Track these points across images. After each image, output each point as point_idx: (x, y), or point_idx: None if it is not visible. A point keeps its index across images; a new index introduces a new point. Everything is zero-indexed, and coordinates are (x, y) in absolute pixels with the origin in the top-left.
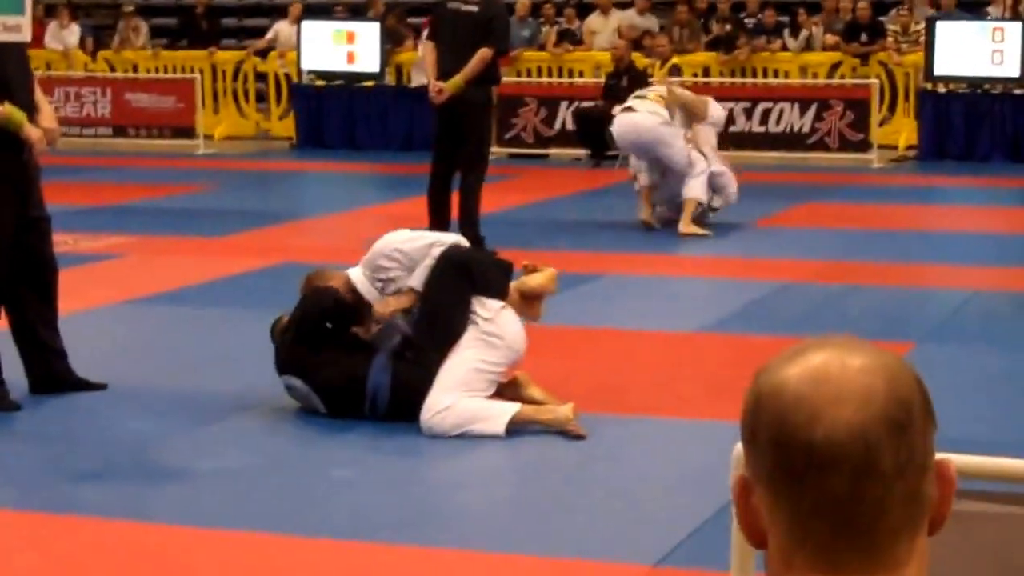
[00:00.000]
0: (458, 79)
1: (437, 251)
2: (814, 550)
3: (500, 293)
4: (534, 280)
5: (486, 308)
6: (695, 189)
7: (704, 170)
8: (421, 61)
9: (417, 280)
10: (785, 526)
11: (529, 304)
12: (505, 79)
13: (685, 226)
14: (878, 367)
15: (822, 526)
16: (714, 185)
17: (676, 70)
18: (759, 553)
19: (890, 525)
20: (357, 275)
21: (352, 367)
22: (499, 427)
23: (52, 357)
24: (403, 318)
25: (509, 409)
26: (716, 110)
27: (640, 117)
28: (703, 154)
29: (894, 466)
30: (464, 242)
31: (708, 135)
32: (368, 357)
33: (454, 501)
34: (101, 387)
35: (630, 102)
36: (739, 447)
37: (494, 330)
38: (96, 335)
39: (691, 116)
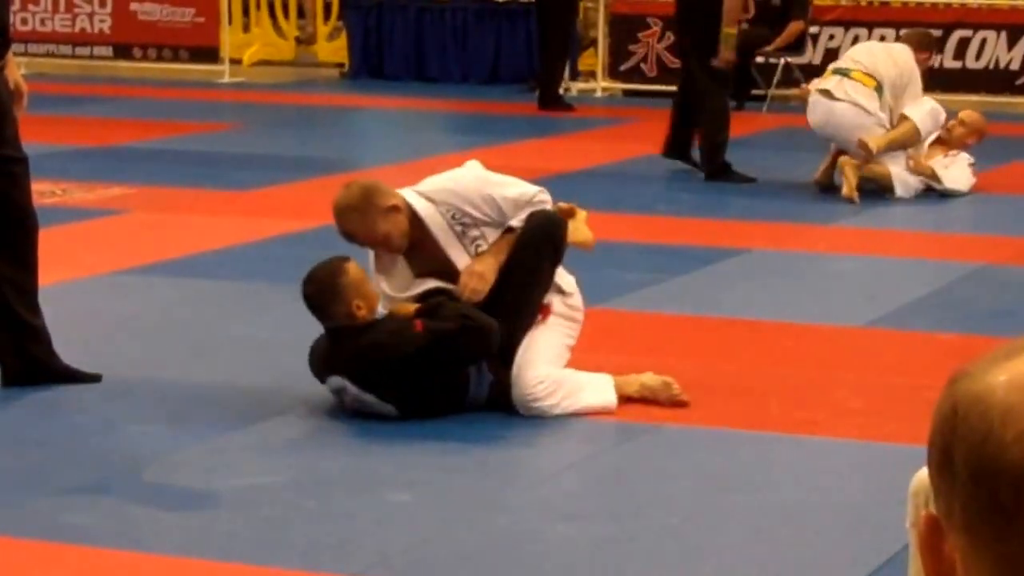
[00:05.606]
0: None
1: (537, 204)
2: None
3: None
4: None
5: (567, 281)
6: (898, 178)
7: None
8: None
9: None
10: None
11: None
12: None
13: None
14: None
15: None
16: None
17: None
18: None
19: None
20: (423, 207)
21: (445, 382)
22: (610, 397)
23: (30, 339)
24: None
25: (607, 378)
26: (929, 122)
27: (840, 108)
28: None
29: None
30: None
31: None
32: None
33: (540, 536)
34: (94, 379)
35: (828, 80)
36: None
37: (577, 303)
38: (88, 312)
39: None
